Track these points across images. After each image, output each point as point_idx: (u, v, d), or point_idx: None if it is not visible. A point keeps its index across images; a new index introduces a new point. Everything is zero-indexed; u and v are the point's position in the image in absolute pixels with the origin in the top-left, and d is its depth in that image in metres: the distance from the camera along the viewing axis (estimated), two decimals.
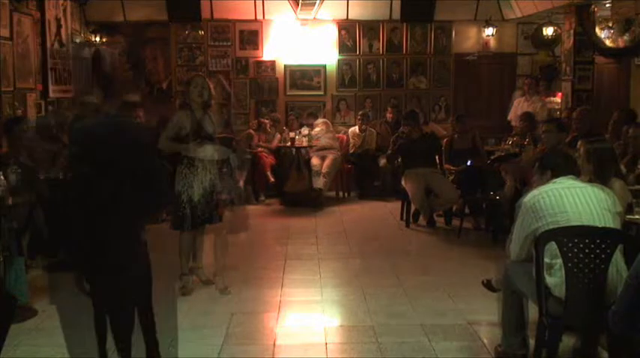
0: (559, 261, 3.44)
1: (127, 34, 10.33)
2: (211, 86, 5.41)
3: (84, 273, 3.17)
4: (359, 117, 10.06)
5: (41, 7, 8.00)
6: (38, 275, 5.84)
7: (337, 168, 9.48)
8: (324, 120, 10.08)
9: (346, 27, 10.60)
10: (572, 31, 8.90)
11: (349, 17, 10.53)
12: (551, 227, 3.50)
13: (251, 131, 9.86)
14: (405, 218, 7.96)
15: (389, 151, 8.45)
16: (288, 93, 10.65)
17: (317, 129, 9.83)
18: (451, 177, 8.11)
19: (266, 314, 4.95)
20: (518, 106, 9.49)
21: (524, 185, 5.59)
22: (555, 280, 3.49)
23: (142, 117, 7.86)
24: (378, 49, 10.71)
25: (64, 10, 8.74)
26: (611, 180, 4.23)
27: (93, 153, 3.05)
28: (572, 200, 3.54)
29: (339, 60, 10.64)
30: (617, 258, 3.46)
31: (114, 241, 3.14)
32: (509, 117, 9.75)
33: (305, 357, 4.16)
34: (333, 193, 9.70)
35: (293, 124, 9.81)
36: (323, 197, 9.26)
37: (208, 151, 5.31)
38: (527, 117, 7.79)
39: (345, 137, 10.16)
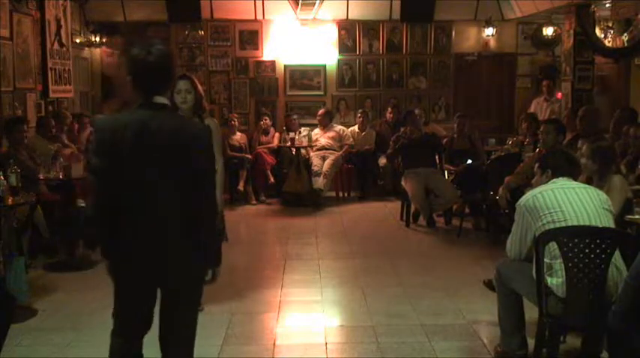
0: (559, 260, 3.45)
1: (127, 34, 10.32)
2: (198, 86, 4.81)
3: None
4: (359, 115, 10.06)
5: (41, 7, 7.99)
6: (38, 275, 5.85)
7: (337, 169, 9.48)
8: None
9: (346, 27, 10.59)
10: (572, 31, 8.88)
11: (349, 17, 10.52)
12: (548, 226, 3.51)
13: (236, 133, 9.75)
14: (405, 218, 7.95)
15: (389, 151, 8.45)
16: (288, 93, 10.64)
17: (316, 130, 9.83)
18: (451, 177, 8.11)
19: (266, 314, 4.95)
20: (537, 108, 9.37)
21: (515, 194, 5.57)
22: (555, 280, 3.49)
23: None
24: (378, 49, 10.70)
25: (64, 10, 8.72)
26: (611, 175, 4.26)
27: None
28: (567, 199, 3.56)
29: (339, 60, 10.64)
30: (616, 257, 3.46)
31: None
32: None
33: (305, 357, 4.15)
34: (333, 193, 9.70)
35: (292, 124, 9.80)
36: (323, 197, 9.26)
37: None
38: (530, 117, 7.80)
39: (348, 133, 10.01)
